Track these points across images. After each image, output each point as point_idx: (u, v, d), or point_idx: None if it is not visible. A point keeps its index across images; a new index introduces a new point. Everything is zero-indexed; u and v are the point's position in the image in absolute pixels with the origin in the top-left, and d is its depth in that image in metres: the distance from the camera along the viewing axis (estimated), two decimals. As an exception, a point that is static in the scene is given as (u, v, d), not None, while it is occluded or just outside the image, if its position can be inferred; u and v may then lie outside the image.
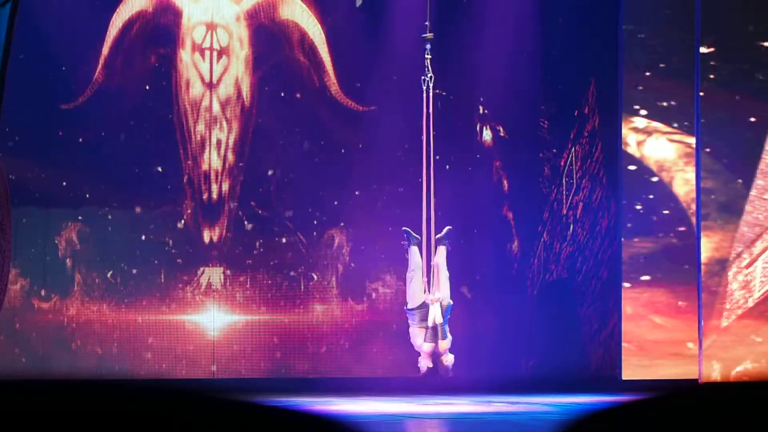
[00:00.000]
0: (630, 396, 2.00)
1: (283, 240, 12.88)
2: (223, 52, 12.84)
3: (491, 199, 13.18)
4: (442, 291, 9.08)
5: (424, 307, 9.03)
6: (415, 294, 9.15)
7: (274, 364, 12.76)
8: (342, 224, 12.94)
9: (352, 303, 12.94)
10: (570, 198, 13.14)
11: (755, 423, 1.87)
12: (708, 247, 11.87)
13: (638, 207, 12.49)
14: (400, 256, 13.09)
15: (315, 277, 12.88)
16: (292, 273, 12.86)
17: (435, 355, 9.01)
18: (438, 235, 9.32)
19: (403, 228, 9.64)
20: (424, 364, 9.03)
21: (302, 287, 12.86)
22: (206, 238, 12.73)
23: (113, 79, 12.58)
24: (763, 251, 11.93)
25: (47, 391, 1.77)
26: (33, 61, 12.37)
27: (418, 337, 9.06)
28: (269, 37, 12.93)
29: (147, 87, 12.66)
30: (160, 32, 12.74)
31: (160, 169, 12.67)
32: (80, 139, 12.50)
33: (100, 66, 12.54)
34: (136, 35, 12.66)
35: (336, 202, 12.91)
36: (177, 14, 12.77)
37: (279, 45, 12.94)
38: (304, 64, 12.96)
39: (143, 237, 12.64)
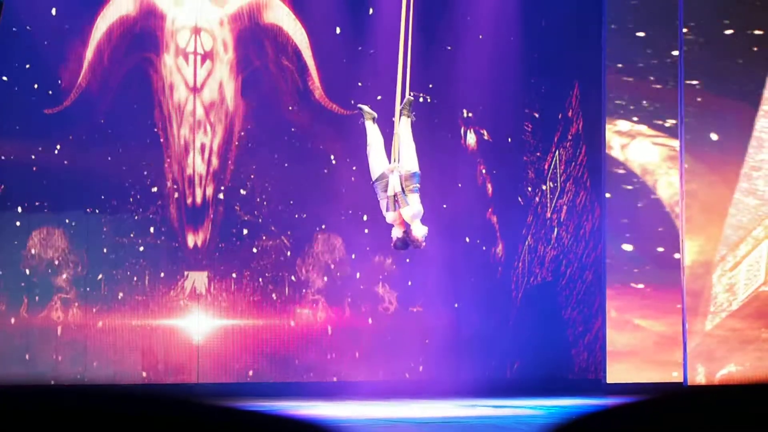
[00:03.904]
0: (615, 399, 2.00)
1: (268, 244, 12.86)
2: (207, 56, 12.82)
3: (475, 203, 13.19)
4: (405, 160, 8.94)
5: (384, 178, 8.93)
6: (373, 167, 9.05)
7: (259, 369, 12.74)
8: (327, 229, 12.93)
9: (337, 308, 12.93)
10: (554, 201, 13.15)
11: (741, 427, 1.87)
12: (692, 250, 11.88)
13: (622, 210, 12.51)
14: (385, 260, 13.12)
15: (299, 281, 12.87)
16: (276, 277, 12.84)
17: (406, 225, 8.87)
18: (400, 107, 9.16)
19: (358, 105, 9.52)
20: (394, 234, 8.92)
21: (287, 292, 12.84)
22: (190, 243, 12.70)
23: (97, 84, 12.54)
24: (747, 254, 11.95)
25: (28, 397, 1.76)
26: (16, 65, 12.34)
27: (383, 208, 8.96)
28: (253, 41, 12.92)
29: (131, 91, 12.62)
30: (144, 36, 12.71)
31: (145, 172, 12.66)
32: (64, 144, 12.46)
33: (84, 70, 12.51)
34: (120, 39, 12.63)
35: (321, 207, 12.90)
36: (161, 18, 12.75)
37: (263, 49, 12.93)
38: (288, 68, 12.94)
39: (127, 241, 12.60)
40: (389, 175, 8.85)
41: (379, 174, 8.93)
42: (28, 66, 12.38)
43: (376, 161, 9.02)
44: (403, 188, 8.78)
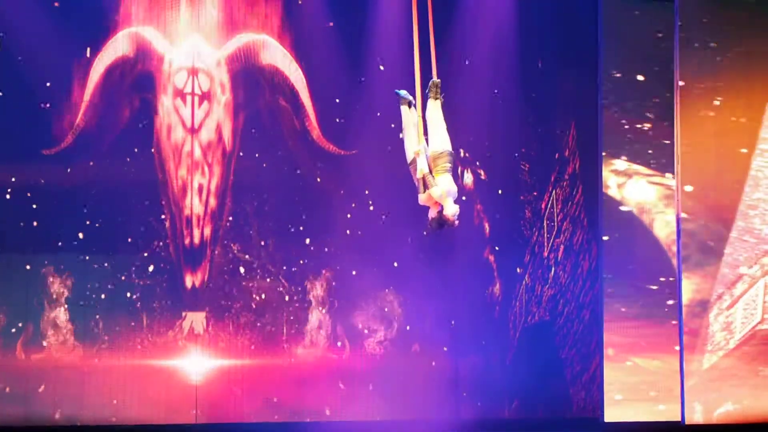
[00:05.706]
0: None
1: (266, 284, 12.86)
2: (204, 96, 12.86)
3: (472, 242, 13.20)
4: (432, 141, 9.07)
5: (414, 161, 9.07)
6: (407, 150, 9.20)
7: (257, 409, 12.71)
8: (325, 268, 12.93)
9: (335, 348, 12.91)
10: (551, 240, 13.18)
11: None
12: (689, 288, 11.92)
13: (619, 249, 12.53)
14: (383, 300, 13.12)
15: (298, 321, 12.86)
16: (275, 317, 12.83)
17: (440, 206, 8.99)
18: (425, 91, 9.35)
19: (395, 90, 9.62)
20: (430, 215, 9.04)
21: (285, 331, 12.84)
22: (188, 283, 12.70)
23: (95, 125, 12.57)
24: (743, 293, 11.99)
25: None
26: (14, 106, 12.37)
27: (418, 190, 9.12)
28: (250, 82, 12.96)
29: (129, 132, 12.65)
30: (142, 77, 12.75)
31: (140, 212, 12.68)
32: (62, 184, 12.47)
33: (82, 111, 12.54)
34: (118, 80, 12.67)
35: (319, 246, 12.91)
36: (159, 59, 12.79)
37: (260, 89, 12.97)
38: (285, 108, 12.99)
39: (125, 281, 12.60)
40: (417, 158, 8.98)
41: (411, 158, 9.08)
42: (25, 107, 12.41)
43: (408, 145, 9.18)
44: (431, 169, 8.89)
